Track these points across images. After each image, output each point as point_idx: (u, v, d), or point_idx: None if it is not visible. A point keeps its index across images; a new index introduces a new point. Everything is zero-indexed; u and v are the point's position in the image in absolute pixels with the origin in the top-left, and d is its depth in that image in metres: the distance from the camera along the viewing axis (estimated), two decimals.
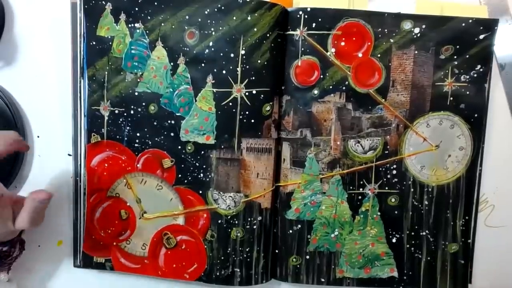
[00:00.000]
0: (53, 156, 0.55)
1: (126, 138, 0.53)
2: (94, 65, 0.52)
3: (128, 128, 0.52)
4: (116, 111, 0.52)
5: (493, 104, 0.53)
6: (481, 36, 0.50)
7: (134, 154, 0.53)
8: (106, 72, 0.52)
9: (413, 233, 0.54)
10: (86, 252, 0.54)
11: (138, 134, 0.52)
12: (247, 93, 0.50)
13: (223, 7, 0.49)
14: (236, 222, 0.52)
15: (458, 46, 0.51)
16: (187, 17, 0.50)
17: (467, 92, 0.52)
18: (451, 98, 0.52)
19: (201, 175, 0.52)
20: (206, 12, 0.49)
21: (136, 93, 0.52)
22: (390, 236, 0.54)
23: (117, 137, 0.53)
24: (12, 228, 0.46)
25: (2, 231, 0.46)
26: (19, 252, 0.51)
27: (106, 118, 0.52)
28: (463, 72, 0.51)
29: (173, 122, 0.51)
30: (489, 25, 0.50)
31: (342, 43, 0.51)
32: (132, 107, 0.52)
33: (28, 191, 0.55)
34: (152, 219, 0.54)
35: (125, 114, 0.52)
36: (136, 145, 0.53)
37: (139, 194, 0.54)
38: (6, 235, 0.47)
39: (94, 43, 0.51)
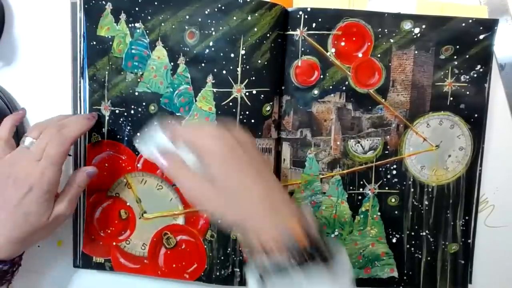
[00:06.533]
0: None
1: (126, 138, 0.53)
2: (95, 65, 0.52)
3: (128, 128, 0.52)
4: (117, 111, 0.52)
5: (493, 104, 0.53)
6: (481, 36, 0.50)
7: (135, 154, 0.53)
8: (106, 72, 0.52)
9: (413, 233, 0.54)
10: (85, 252, 0.54)
11: (138, 134, 0.52)
12: (247, 93, 0.50)
13: (223, 7, 0.49)
14: None
15: (458, 46, 0.51)
16: (187, 17, 0.50)
17: (467, 92, 0.52)
18: (451, 98, 0.52)
19: None
20: (206, 12, 0.49)
21: (137, 93, 0.52)
22: (390, 236, 0.54)
23: (118, 136, 0.53)
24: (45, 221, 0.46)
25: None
26: (16, 268, 0.50)
27: (107, 117, 0.52)
28: (463, 72, 0.51)
29: (173, 122, 0.51)
30: (489, 25, 0.50)
31: (342, 43, 0.51)
32: (132, 107, 0.52)
33: None
34: (152, 219, 0.54)
35: (125, 114, 0.52)
36: None
37: (139, 194, 0.54)
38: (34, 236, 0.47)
39: (94, 43, 0.51)
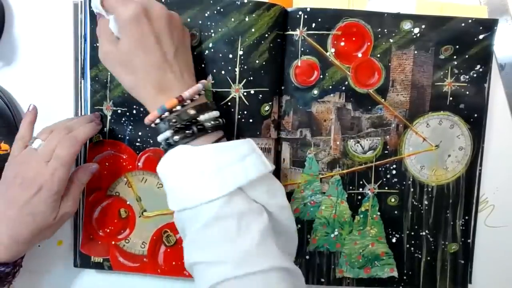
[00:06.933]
0: None
1: (128, 137, 0.53)
2: (97, 66, 0.52)
3: (130, 127, 0.53)
4: (119, 111, 0.52)
5: (493, 104, 0.53)
6: (481, 36, 0.50)
7: (135, 153, 0.53)
8: (108, 73, 0.52)
9: (413, 233, 0.54)
10: (83, 252, 0.55)
11: (139, 133, 0.52)
12: (245, 93, 0.50)
13: (222, 9, 0.49)
14: None
15: (457, 46, 0.51)
16: (188, 19, 0.50)
17: (467, 92, 0.52)
18: (451, 98, 0.52)
19: None
20: (206, 15, 0.49)
21: None
22: (390, 236, 0.54)
23: (119, 136, 0.53)
24: (52, 221, 0.46)
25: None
26: (17, 269, 0.50)
27: (109, 117, 0.53)
28: (462, 72, 0.51)
29: None
30: (489, 25, 0.50)
31: (342, 43, 0.51)
32: (134, 107, 0.52)
33: None
34: (152, 217, 0.54)
35: (127, 113, 0.52)
36: (137, 144, 0.53)
37: (140, 192, 0.54)
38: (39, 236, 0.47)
39: (96, 44, 0.52)
